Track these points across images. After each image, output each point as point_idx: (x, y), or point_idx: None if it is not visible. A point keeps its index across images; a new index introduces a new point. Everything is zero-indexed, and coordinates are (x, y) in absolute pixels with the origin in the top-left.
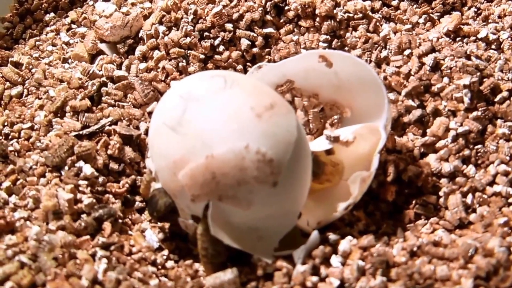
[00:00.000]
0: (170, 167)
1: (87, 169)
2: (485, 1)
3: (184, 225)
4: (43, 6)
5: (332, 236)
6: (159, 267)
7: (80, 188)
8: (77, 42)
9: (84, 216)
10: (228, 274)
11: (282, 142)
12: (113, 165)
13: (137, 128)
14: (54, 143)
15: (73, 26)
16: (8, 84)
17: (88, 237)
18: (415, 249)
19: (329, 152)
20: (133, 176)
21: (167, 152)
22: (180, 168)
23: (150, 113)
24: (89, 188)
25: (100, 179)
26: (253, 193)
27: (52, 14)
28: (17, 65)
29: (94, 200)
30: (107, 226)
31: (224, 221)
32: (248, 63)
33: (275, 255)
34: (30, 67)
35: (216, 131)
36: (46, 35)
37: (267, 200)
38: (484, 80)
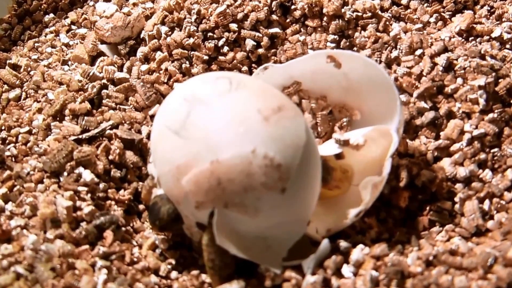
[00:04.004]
0: (173, 173)
1: (87, 175)
2: (499, 0)
3: (190, 233)
4: (42, 7)
5: (343, 244)
6: (163, 277)
7: (80, 195)
8: (77, 44)
9: (83, 224)
10: (234, 286)
11: (291, 146)
12: (114, 171)
13: (139, 132)
14: (53, 148)
15: (73, 27)
16: (6, 87)
17: (87, 246)
18: (431, 258)
19: (338, 156)
20: (135, 183)
21: (170, 157)
22: (184, 173)
23: (152, 117)
24: (89, 195)
25: (101, 185)
26: (261, 200)
27: (51, 15)
28: (15, 67)
29: (94, 208)
30: (108, 234)
31: (230, 229)
32: (253, 64)
33: (283, 265)
34: (29, 69)
35: (222, 135)
36: (45, 36)
37: (275, 207)
38: (500, 80)
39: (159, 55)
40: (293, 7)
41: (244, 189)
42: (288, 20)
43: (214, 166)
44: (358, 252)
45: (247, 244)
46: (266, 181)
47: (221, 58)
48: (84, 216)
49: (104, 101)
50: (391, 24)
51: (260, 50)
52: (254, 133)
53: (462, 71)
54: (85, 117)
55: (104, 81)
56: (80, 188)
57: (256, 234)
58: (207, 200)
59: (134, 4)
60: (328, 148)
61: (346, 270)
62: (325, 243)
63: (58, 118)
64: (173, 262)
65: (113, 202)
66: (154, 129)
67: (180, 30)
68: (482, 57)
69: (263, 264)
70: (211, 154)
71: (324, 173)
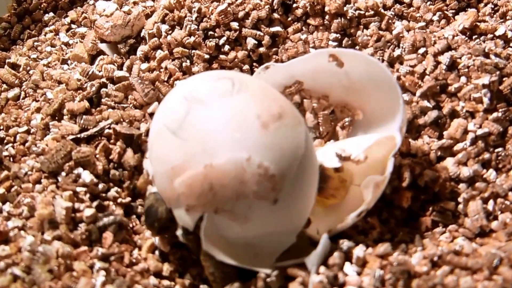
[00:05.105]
0: (168, 173)
1: (86, 176)
2: None
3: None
4: (42, 6)
5: (346, 244)
6: (163, 279)
7: (79, 196)
8: (76, 43)
9: (82, 225)
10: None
11: (287, 156)
12: (114, 172)
13: (138, 129)
14: (51, 148)
15: (72, 26)
16: (4, 86)
17: (86, 248)
18: (435, 258)
19: (338, 169)
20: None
21: (166, 157)
22: (178, 175)
23: (151, 114)
24: (87, 196)
25: (100, 185)
26: (252, 208)
27: (51, 14)
28: (15, 66)
29: (95, 210)
30: (108, 235)
31: (218, 235)
32: (254, 63)
33: (275, 266)
34: (28, 68)
35: (218, 139)
36: (45, 35)
37: (266, 217)
38: (504, 79)
39: (159, 53)
40: (294, 5)
41: (236, 196)
42: (289, 19)
43: (207, 170)
44: (361, 251)
45: (234, 250)
46: (258, 190)
47: (222, 57)
48: (84, 218)
49: (103, 100)
50: (393, 23)
51: (261, 49)
52: (251, 140)
53: (466, 70)
54: (84, 116)
55: (104, 80)
56: (78, 189)
57: (245, 242)
58: (198, 204)
59: (135, 3)
60: (328, 158)
61: (350, 269)
62: (325, 239)
63: (56, 118)
64: (173, 263)
65: (112, 203)
66: (153, 126)
67: (181, 29)
68: (486, 55)
69: (252, 268)
70: (206, 157)
71: (320, 181)
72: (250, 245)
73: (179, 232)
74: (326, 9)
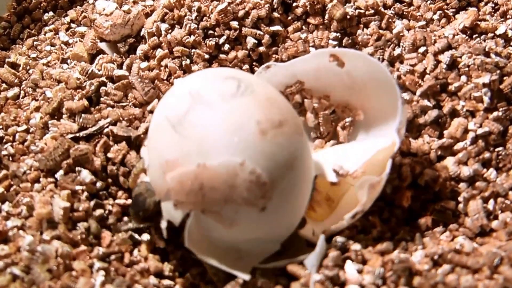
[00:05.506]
0: (162, 166)
1: (84, 174)
2: None
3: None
4: (42, 5)
5: (340, 239)
6: (163, 278)
7: (77, 195)
8: (76, 42)
9: (81, 224)
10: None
11: (281, 166)
12: (112, 170)
13: (137, 128)
14: (49, 146)
15: (72, 25)
16: (4, 85)
17: (85, 247)
18: (436, 257)
19: (334, 183)
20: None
21: (162, 149)
22: (171, 169)
23: (150, 112)
24: (86, 194)
25: (98, 184)
26: (239, 213)
27: (51, 13)
28: (14, 66)
29: (93, 209)
30: (107, 235)
31: (203, 234)
32: (254, 63)
33: (259, 267)
34: (28, 68)
35: (214, 140)
36: (44, 34)
37: (253, 223)
38: (505, 78)
39: (159, 52)
40: (294, 4)
41: (224, 200)
42: (289, 18)
43: (199, 170)
44: (361, 249)
45: (218, 251)
46: (248, 197)
47: (222, 56)
48: (83, 217)
49: (102, 99)
50: (394, 22)
51: (261, 48)
52: (247, 146)
53: (466, 69)
54: (83, 115)
55: (103, 78)
56: (77, 187)
57: (229, 244)
58: (186, 201)
59: (134, 2)
60: (327, 155)
61: (350, 267)
62: (322, 240)
63: (55, 116)
64: (174, 263)
65: (110, 202)
66: (155, 117)
67: (181, 28)
68: (487, 54)
69: (233, 272)
70: (200, 157)
71: None
72: (233, 249)
73: (163, 225)
74: (328, 7)
